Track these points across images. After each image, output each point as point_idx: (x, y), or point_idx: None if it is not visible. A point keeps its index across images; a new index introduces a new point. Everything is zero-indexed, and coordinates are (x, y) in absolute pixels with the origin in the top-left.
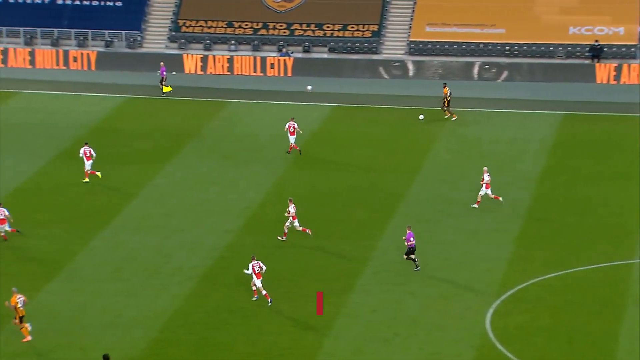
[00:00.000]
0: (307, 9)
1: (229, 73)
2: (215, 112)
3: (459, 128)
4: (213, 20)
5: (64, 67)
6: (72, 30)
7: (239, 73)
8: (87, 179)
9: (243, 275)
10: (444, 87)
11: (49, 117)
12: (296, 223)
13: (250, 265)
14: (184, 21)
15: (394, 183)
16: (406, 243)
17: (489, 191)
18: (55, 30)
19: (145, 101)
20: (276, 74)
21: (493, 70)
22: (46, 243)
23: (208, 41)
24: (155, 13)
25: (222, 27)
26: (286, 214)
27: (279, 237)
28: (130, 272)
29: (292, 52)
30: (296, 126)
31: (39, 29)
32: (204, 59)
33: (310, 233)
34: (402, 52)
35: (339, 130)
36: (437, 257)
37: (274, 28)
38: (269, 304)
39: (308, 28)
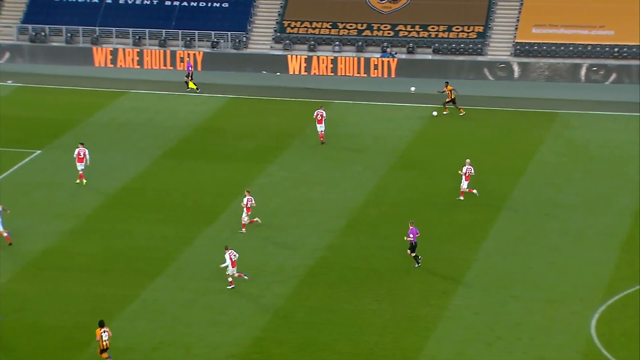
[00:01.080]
0: (411, 10)
1: (332, 74)
2: None
3: (565, 131)
4: (318, 22)
5: (171, 68)
6: (179, 30)
7: (343, 74)
8: (79, 181)
9: (345, 275)
10: (447, 86)
11: (155, 117)
12: (245, 216)
13: (227, 256)
14: (289, 22)
15: (498, 185)
16: (406, 239)
17: (466, 183)
18: (163, 31)
19: (249, 101)
20: (379, 75)
21: (601, 72)
22: (152, 241)
23: (312, 42)
24: (261, 14)
25: (326, 28)
26: (242, 204)
27: (240, 231)
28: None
29: (395, 53)
30: (324, 114)
31: (147, 30)
32: (308, 60)
33: (260, 221)
34: (508, 53)
35: (443, 132)
36: (541, 261)
37: (378, 29)
38: (247, 278)
39: (412, 29)
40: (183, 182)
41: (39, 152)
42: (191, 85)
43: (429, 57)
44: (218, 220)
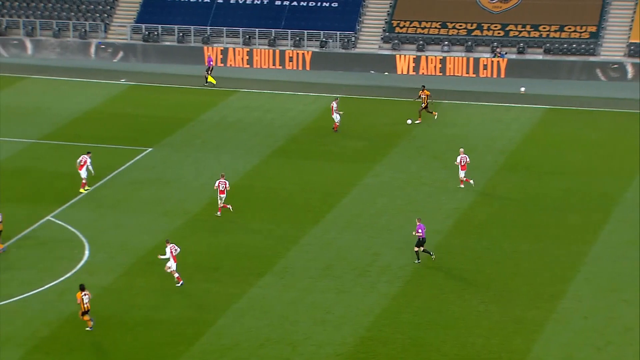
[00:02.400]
0: (522, 9)
1: (441, 74)
2: (426, 112)
3: None
4: (427, 21)
5: (280, 67)
6: (289, 30)
7: (451, 74)
8: (82, 190)
9: (452, 276)
10: (423, 90)
11: (264, 116)
12: (220, 200)
13: (167, 249)
14: (398, 22)
15: (608, 187)
16: (414, 233)
17: (462, 172)
18: (273, 30)
19: (357, 101)
20: (489, 75)
21: None
22: (259, 239)
23: (421, 42)
24: (370, 14)
25: (435, 27)
26: (215, 187)
27: (215, 214)
28: (340, 269)
29: (505, 53)
30: (335, 107)
31: (257, 29)
32: (417, 60)
33: (231, 208)
34: (621, 54)
35: (552, 133)
36: None
37: (488, 29)
38: (180, 284)
39: (523, 29)
40: (291, 180)
41: (150, 149)
42: (210, 79)
43: (540, 57)
44: (325, 220)
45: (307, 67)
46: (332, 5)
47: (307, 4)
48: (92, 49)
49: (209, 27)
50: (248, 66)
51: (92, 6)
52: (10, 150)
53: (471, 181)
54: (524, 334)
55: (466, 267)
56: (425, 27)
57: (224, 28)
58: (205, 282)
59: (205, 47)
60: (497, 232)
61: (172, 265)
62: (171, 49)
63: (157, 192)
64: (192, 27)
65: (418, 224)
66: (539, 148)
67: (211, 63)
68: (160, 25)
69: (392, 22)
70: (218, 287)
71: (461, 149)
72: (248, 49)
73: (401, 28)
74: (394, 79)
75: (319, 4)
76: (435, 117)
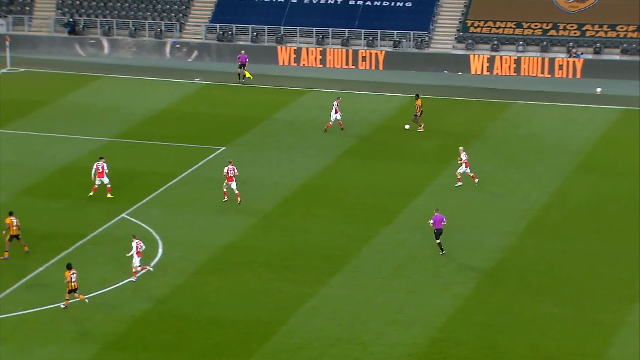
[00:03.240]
0: (599, 9)
1: (515, 74)
2: (500, 112)
3: None
4: (502, 21)
5: (353, 67)
6: (362, 30)
7: (526, 74)
8: (110, 195)
9: (525, 278)
10: (417, 99)
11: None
12: (233, 185)
13: (133, 245)
14: (472, 21)
15: None
16: (430, 223)
17: (467, 169)
18: (346, 30)
19: (430, 101)
20: (564, 76)
21: None
22: (331, 239)
23: (496, 42)
24: (444, 13)
25: (510, 27)
26: (223, 174)
27: (224, 199)
28: (412, 269)
29: (581, 53)
30: (336, 105)
31: (330, 29)
32: (491, 60)
33: (239, 200)
34: None
35: (629, 134)
36: None
37: (564, 29)
38: (135, 280)
39: (600, 29)
40: (363, 180)
41: (223, 148)
42: (247, 74)
43: (617, 57)
44: (397, 220)
45: (380, 67)
46: (406, 4)
47: (381, 3)
48: (167, 49)
49: (282, 27)
50: (321, 66)
51: (168, 6)
52: (85, 149)
53: (476, 180)
54: (599, 337)
55: (539, 269)
56: (499, 27)
57: (298, 28)
58: (277, 281)
59: (279, 47)
60: (571, 234)
61: (136, 261)
62: (245, 48)
63: (229, 191)
64: (265, 26)
65: (436, 214)
66: (614, 149)
67: (245, 59)
68: (234, 25)
69: (467, 21)
70: (289, 286)
71: (461, 147)
72: (321, 49)
73: (475, 28)
74: (468, 79)
75: (392, 3)
76: (421, 129)
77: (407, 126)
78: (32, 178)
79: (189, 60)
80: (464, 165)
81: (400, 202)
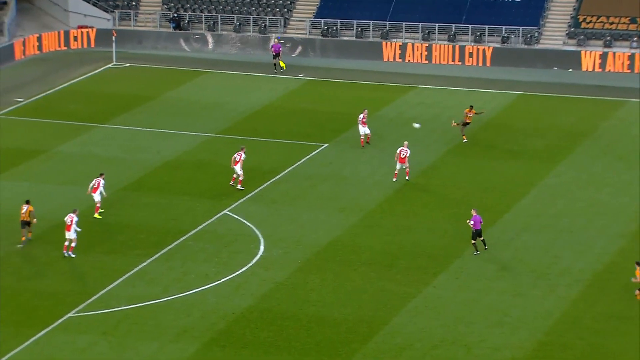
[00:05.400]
0: None
1: (629, 71)
2: (612, 111)
3: None
4: (615, 16)
5: (459, 63)
6: (469, 25)
7: None
8: (96, 215)
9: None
10: (471, 109)
11: (443, 113)
12: (237, 169)
13: (66, 218)
14: (585, 17)
15: None
16: (469, 222)
17: (403, 165)
18: (453, 25)
19: (539, 98)
20: None
21: None
22: (434, 238)
23: (608, 37)
24: (555, 9)
25: (624, 23)
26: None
27: (238, 187)
28: (518, 271)
29: None
30: (362, 118)
31: (436, 24)
32: (603, 56)
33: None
34: None
35: None
36: None
37: None
38: (69, 255)
39: None
40: (467, 179)
41: (326, 145)
42: (282, 64)
43: None
44: (502, 219)
45: (488, 64)
46: (516, 0)
47: None
48: (271, 44)
49: (388, 22)
50: (427, 62)
51: (273, 1)
52: (189, 144)
53: (407, 177)
54: None
55: None
56: (613, 23)
57: (403, 23)
58: (379, 281)
59: (384, 43)
60: None
61: (68, 235)
62: (349, 44)
63: (332, 188)
64: (371, 22)
65: (474, 215)
66: None
67: (279, 49)
68: (339, 20)
69: (578, 17)
70: (392, 286)
71: (405, 142)
72: (427, 45)
73: (587, 23)
74: (579, 76)
75: None
76: (464, 140)
77: (416, 125)
78: (136, 173)
79: (293, 55)
80: (398, 160)
81: (507, 201)
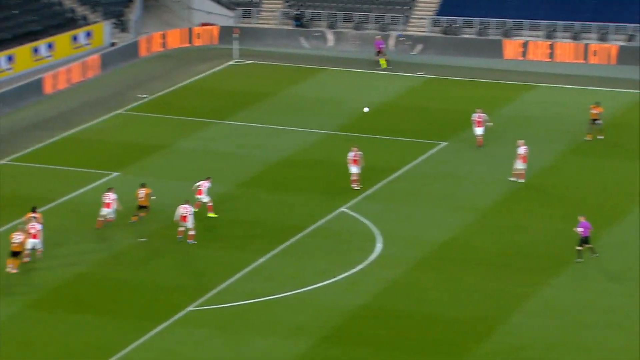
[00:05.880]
0: None
1: None
2: None
3: None
4: None
5: (583, 61)
6: (593, 23)
7: None
8: (211, 214)
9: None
10: (597, 106)
11: (564, 111)
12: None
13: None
14: None
15: None
16: (575, 229)
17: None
18: (577, 23)
19: None
20: None
21: None
22: (552, 238)
23: None
24: None
25: None
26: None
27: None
28: (638, 272)
29: None
30: (475, 117)
31: (559, 22)
32: None
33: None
34: None
35: None
36: None
37: None
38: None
39: None
40: (589, 179)
41: (444, 143)
42: (382, 62)
43: None
44: (624, 221)
45: (613, 62)
46: None
47: None
48: (392, 42)
49: (510, 20)
50: (549, 60)
51: None
52: (307, 141)
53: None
54: None
55: None
56: None
57: (526, 21)
58: (495, 280)
59: (505, 40)
60: None
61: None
62: (470, 42)
63: (449, 186)
64: (492, 19)
65: (582, 221)
66: None
67: (382, 46)
68: (460, 18)
69: None
70: (509, 286)
71: (521, 141)
72: (550, 43)
73: None
74: None
75: None
76: (589, 137)
77: (366, 109)
78: (253, 169)
79: (413, 53)
80: (521, 159)
81: (629, 202)
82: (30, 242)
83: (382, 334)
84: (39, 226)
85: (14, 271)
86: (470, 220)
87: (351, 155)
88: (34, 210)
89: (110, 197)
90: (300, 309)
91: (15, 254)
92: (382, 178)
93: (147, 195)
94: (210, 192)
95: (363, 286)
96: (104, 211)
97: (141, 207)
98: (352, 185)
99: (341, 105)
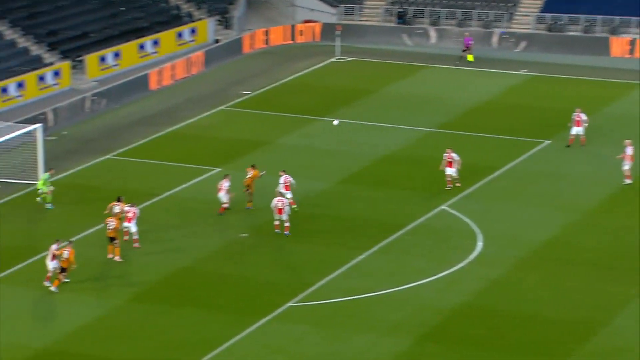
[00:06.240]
0: None
1: None
2: None
3: None
4: None
5: None
6: None
7: None
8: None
9: None
10: None
11: None
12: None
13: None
14: None
15: None
16: None
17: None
18: None
19: None
20: None
21: None
22: None
23: None
24: None
25: None
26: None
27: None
28: None
29: None
30: (574, 116)
31: None
32: None
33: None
34: None
35: None
36: None
37: None
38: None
39: None
40: None
41: (548, 142)
42: (469, 57)
43: None
44: None
45: None
46: None
47: None
48: (495, 39)
49: (617, 17)
50: None
51: None
52: (409, 139)
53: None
54: None
55: None
56: None
57: (634, 18)
58: (599, 281)
59: (612, 38)
60: None
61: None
62: (575, 39)
63: (551, 185)
64: (599, 16)
65: None
66: None
67: (470, 42)
68: (566, 15)
69: None
70: (613, 287)
71: (629, 141)
72: None
73: None
74: None
75: None
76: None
77: (335, 122)
78: (353, 166)
79: (516, 51)
80: (628, 160)
81: None
82: (125, 225)
83: (482, 333)
84: (133, 209)
85: (117, 259)
86: (573, 220)
87: (445, 157)
88: (119, 200)
89: (224, 185)
90: (399, 306)
91: (112, 240)
92: (483, 177)
93: (254, 177)
94: (293, 188)
95: (463, 285)
96: (223, 197)
97: (247, 188)
98: (448, 186)
99: (443, 103)
